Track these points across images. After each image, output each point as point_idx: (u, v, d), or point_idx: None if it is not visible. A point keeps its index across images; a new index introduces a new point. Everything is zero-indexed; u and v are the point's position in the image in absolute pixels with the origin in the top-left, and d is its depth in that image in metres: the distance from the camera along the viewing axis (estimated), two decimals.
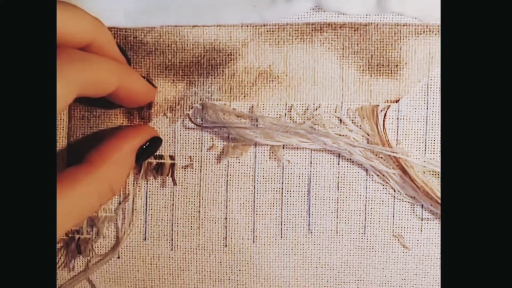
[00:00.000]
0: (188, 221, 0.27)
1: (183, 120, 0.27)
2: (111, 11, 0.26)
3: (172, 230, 0.27)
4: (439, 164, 0.26)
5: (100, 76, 0.22)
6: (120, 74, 0.23)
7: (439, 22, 0.25)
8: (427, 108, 0.26)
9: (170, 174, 0.27)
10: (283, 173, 0.27)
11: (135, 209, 0.27)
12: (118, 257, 0.27)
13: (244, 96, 0.26)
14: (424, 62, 0.26)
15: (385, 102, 0.26)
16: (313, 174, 0.27)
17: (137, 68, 0.27)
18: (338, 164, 0.27)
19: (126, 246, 0.27)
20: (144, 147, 0.25)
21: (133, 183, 0.27)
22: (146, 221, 0.27)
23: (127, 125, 0.27)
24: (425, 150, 0.26)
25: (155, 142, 0.26)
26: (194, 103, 0.27)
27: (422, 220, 0.26)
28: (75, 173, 0.23)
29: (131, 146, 0.25)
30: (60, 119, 0.27)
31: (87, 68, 0.21)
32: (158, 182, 0.27)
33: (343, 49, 0.26)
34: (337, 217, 0.27)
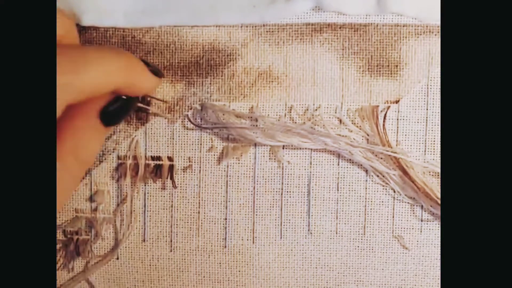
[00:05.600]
0: (188, 222, 0.27)
1: (182, 121, 0.27)
2: (111, 11, 0.25)
3: (171, 231, 0.27)
4: (439, 165, 0.26)
5: (94, 83, 0.21)
6: (121, 75, 0.22)
7: (439, 23, 0.25)
8: (427, 109, 0.26)
9: (169, 177, 0.27)
10: (282, 174, 0.27)
11: (134, 211, 0.27)
12: (117, 258, 0.27)
13: (244, 97, 0.26)
14: (424, 62, 0.26)
15: (385, 103, 0.26)
16: (313, 175, 0.27)
17: None
18: (338, 165, 0.27)
19: (125, 247, 0.27)
20: (109, 108, 0.23)
21: (131, 185, 0.27)
22: (145, 223, 0.27)
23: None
24: (425, 151, 0.26)
25: (121, 101, 0.23)
26: (193, 104, 0.26)
27: (422, 221, 0.26)
28: None
29: (88, 111, 0.22)
30: None
31: (79, 79, 0.20)
32: (157, 183, 0.27)
33: (343, 49, 0.26)
34: (337, 218, 0.27)
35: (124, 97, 0.23)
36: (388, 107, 0.26)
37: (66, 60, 0.20)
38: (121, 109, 0.23)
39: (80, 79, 0.20)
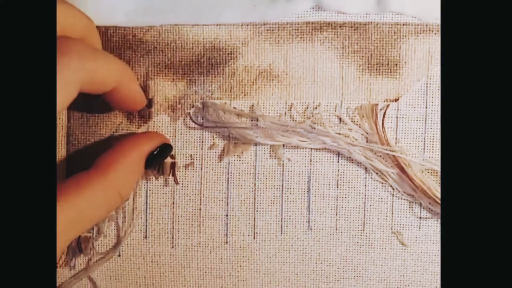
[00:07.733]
0: (189, 218, 0.27)
1: (184, 119, 0.27)
2: (112, 11, 0.25)
3: (173, 228, 0.27)
4: (437, 163, 0.26)
5: (102, 73, 0.22)
6: (121, 72, 0.23)
7: (438, 21, 0.26)
8: (426, 107, 0.26)
9: (171, 174, 0.27)
10: (283, 171, 0.27)
11: (136, 208, 0.27)
12: (119, 255, 0.27)
13: (245, 95, 0.26)
14: (423, 61, 0.26)
15: (384, 101, 0.26)
16: (313, 172, 0.27)
17: (137, 67, 0.26)
18: (338, 162, 0.27)
19: (127, 244, 0.27)
20: (154, 153, 0.25)
21: None
22: (146, 219, 0.27)
23: (138, 132, 0.27)
24: (424, 149, 0.26)
25: (165, 148, 0.25)
26: (195, 102, 0.27)
27: (420, 218, 0.27)
28: (83, 179, 0.22)
29: (140, 152, 0.24)
30: (59, 118, 0.27)
31: (89, 65, 0.21)
32: (158, 180, 0.27)
33: (343, 48, 0.26)
34: (336, 214, 0.27)
35: (164, 143, 0.25)
36: (388, 106, 0.26)
37: (75, 53, 0.21)
38: (162, 153, 0.25)
39: (89, 71, 0.21)
